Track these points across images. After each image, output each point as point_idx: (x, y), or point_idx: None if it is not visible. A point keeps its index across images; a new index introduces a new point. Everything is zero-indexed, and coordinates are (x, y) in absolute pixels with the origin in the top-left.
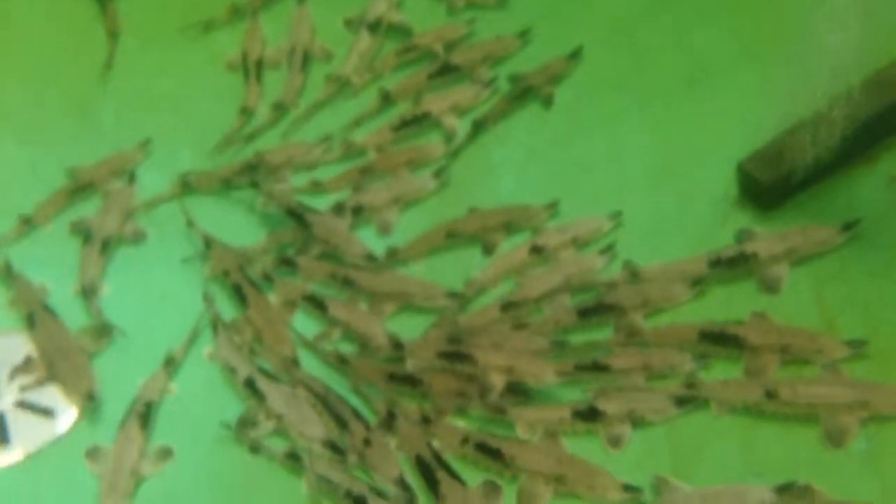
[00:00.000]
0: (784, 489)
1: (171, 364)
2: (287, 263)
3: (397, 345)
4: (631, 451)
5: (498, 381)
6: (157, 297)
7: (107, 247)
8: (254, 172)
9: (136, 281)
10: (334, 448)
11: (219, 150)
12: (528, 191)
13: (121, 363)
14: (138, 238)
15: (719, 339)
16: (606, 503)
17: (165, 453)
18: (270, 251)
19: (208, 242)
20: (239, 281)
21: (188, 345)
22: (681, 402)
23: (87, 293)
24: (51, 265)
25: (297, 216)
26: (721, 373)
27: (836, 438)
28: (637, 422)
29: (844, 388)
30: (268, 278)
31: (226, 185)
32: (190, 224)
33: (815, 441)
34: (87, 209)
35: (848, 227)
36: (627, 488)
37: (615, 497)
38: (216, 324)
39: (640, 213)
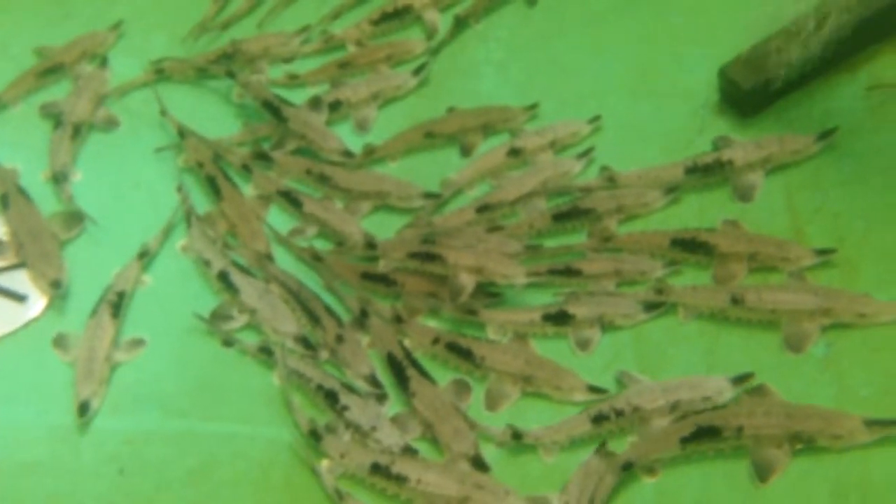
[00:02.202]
0: (739, 380)
1: (145, 255)
2: (262, 157)
3: (370, 244)
4: (598, 355)
5: (468, 281)
6: (130, 186)
7: (78, 132)
8: (229, 62)
9: (108, 169)
10: (306, 344)
11: (193, 37)
12: (508, 91)
13: (92, 252)
14: (110, 124)
15: (690, 246)
16: (572, 403)
17: (138, 343)
18: (245, 143)
19: (182, 132)
20: (213, 173)
21: (163, 237)
22: (649, 307)
23: (58, 179)
24: (20, 148)
25: (273, 109)
26: (690, 279)
27: (796, 344)
28: (606, 326)
29: (808, 295)
30: (247, 168)
31: (200, 74)
32: (163, 112)
33: (776, 346)
34: (58, 93)
35: (824, 135)
36: (593, 389)
37: (581, 397)
38: (190, 216)
39: (619, 118)
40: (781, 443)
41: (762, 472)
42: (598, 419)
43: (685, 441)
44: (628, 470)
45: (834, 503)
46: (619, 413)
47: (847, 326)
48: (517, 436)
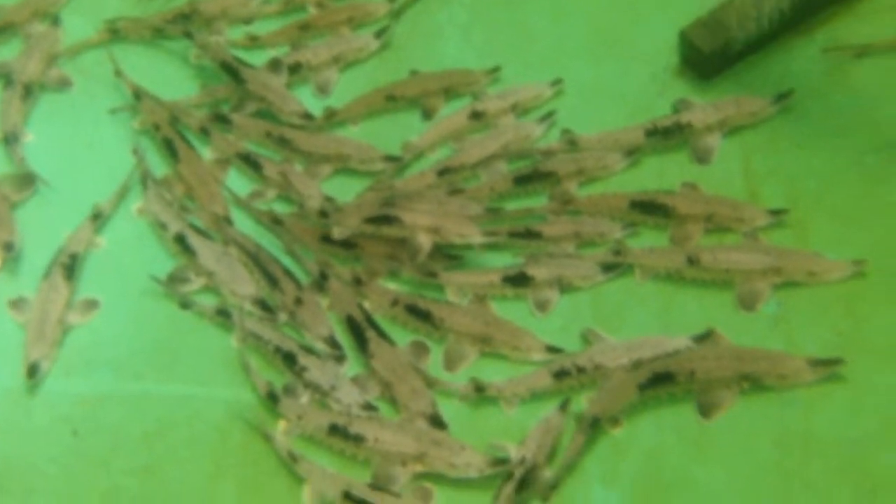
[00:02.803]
0: (701, 338)
1: (98, 217)
2: (221, 120)
3: (323, 212)
4: (556, 316)
5: (425, 241)
6: (84, 148)
7: (29, 92)
8: (187, 22)
9: (60, 130)
10: (264, 306)
11: None
12: (470, 54)
13: (45, 214)
14: (63, 85)
15: (649, 208)
16: (530, 363)
17: (92, 305)
18: (203, 106)
19: (137, 94)
20: (170, 135)
21: (117, 199)
22: (607, 268)
23: (9, 140)
24: None
25: (232, 71)
26: (648, 240)
27: (748, 302)
28: (565, 287)
29: (760, 255)
30: (205, 131)
31: (157, 34)
32: (118, 73)
33: (729, 305)
34: (9, 52)
35: (780, 98)
36: (551, 349)
37: (539, 357)
38: (146, 178)
39: (581, 81)
40: (730, 384)
41: (707, 411)
42: (560, 374)
43: (643, 388)
44: (596, 426)
45: (778, 453)
46: (581, 370)
47: (798, 285)
48: (480, 388)
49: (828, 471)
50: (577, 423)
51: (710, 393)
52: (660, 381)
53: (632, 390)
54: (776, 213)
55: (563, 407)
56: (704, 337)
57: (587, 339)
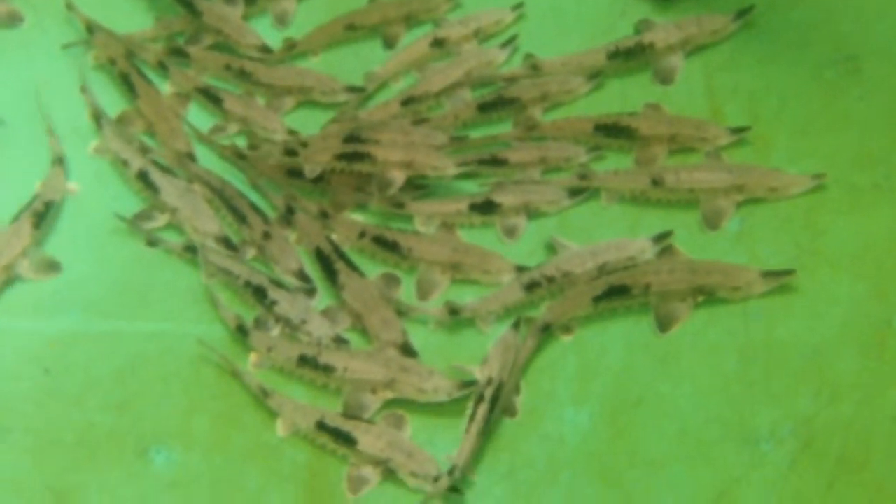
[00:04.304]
0: (660, 238)
1: (61, 161)
2: (178, 53)
3: (290, 151)
4: (525, 242)
5: (398, 176)
6: (39, 84)
7: None
8: None
9: (12, 67)
10: (227, 243)
11: None
12: None
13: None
14: (14, 21)
15: (613, 131)
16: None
17: (53, 266)
18: (159, 39)
19: (90, 28)
20: (127, 70)
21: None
22: (574, 192)
23: None
24: None
25: (186, 2)
26: (613, 163)
27: (713, 221)
28: (532, 213)
29: (723, 173)
30: (163, 66)
31: None
32: (69, 7)
33: (693, 224)
34: None
35: (741, 14)
36: (520, 270)
37: (509, 278)
38: (98, 117)
39: (542, 4)
40: (685, 297)
41: (664, 324)
42: (531, 286)
43: (597, 299)
44: (547, 331)
45: (742, 364)
46: (551, 279)
47: (759, 201)
48: (454, 311)
49: (790, 379)
50: (527, 328)
51: (665, 306)
52: (615, 294)
53: (586, 302)
54: (738, 130)
55: (516, 325)
56: (664, 236)
57: (554, 247)
